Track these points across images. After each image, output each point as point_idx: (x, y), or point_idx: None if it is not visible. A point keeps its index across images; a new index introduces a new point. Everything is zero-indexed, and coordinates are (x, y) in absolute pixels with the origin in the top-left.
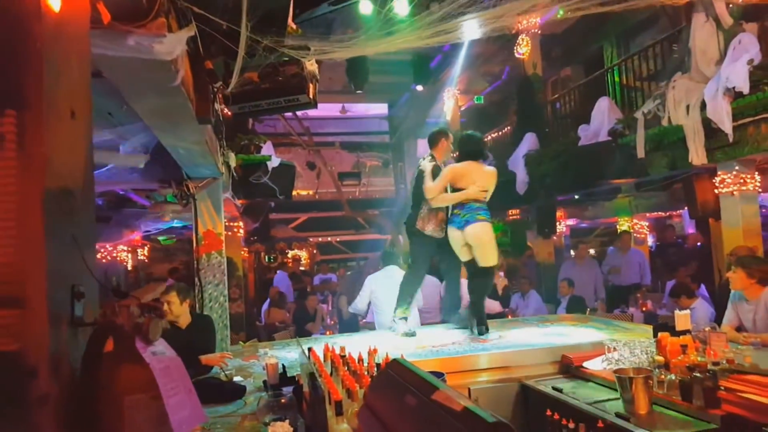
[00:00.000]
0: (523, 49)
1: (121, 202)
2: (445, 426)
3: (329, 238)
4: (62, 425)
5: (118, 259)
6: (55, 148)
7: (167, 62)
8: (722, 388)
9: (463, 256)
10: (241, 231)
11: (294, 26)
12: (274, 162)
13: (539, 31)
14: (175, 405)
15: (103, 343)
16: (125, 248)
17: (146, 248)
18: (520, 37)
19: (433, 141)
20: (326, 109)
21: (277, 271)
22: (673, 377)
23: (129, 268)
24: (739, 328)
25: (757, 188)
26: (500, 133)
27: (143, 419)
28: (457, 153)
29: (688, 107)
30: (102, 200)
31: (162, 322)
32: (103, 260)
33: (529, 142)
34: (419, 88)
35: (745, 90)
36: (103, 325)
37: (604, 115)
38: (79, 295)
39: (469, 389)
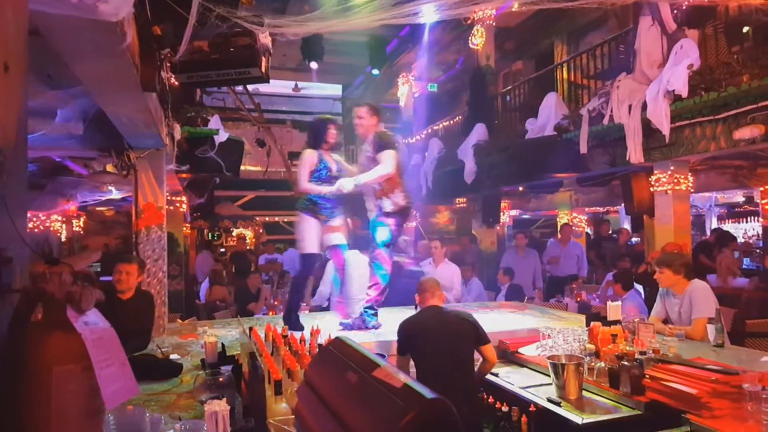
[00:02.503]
0: (478, 39)
1: (57, 169)
2: (385, 402)
3: (276, 218)
4: None
5: (52, 229)
6: None
7: (112, 24)
8: (647, 376)
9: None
10: (185, 206)
11: None
12: (222, 137)
13: (494, 23)
14: (108, 377)
15: (31, 311)
16: (59, 218)
17: (82, 219)
18: (474, 27)
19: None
20: (279, 86)
21: (203, 250)
22: (603, 365)
23: (63, 239)
24: (666, 321)
25: (689, 188)
26: (452, 122)
27: (73, 391)
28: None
29: (630, 107)
30: (36, 166)
31: (96, 292)
32: (36, 230)
33: (479, 132)
34: (374, 71)
35: (684, 93)
36: (31, 292)
37: (550, 110)
38: (5, 261)
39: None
